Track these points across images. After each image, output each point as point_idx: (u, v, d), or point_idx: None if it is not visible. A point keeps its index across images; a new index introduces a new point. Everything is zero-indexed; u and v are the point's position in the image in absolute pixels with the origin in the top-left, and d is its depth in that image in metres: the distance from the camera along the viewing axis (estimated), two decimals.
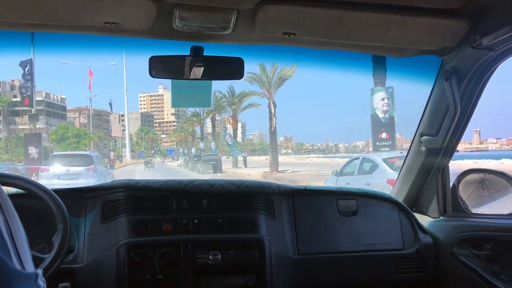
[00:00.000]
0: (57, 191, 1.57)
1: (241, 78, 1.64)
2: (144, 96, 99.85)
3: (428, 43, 1.56)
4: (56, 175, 11.73)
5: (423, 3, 1.29)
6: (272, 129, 26.11)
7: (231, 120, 35.88)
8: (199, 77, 1.60)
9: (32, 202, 1.47)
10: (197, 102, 1.78)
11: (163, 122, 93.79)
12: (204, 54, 1.56)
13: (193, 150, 47.03)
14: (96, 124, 60.15)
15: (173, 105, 1.83)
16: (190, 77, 1.59)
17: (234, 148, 33.45)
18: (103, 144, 53.99)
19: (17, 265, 0.60)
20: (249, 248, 1.69)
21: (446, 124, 1.74)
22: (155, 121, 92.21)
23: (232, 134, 35.14)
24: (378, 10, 1.30)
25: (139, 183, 1.75)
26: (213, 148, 38.93)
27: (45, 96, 54.46)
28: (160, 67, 1.56)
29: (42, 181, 11.51)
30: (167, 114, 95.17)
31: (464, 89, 1.65)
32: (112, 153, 41.37)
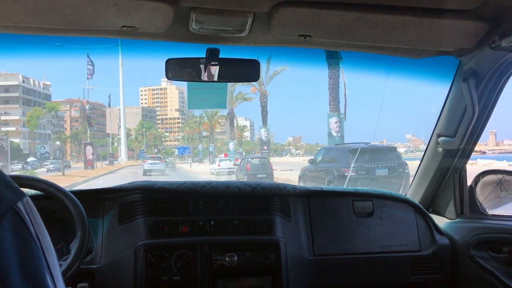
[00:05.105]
0: (75, 192, 1.67)
1: (257, 80, 1.75)
2: (145, 90, 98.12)
3: (446, 44, 1.63)
4: (150, 163, 27.49)
5: (440, 5, 1.34)
6: None
7: None
8: (215, 79, 1.70)
9: (50, 203, 1.57)
10: (213, 103, 1.89)
11: (166, 119, 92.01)
12: (220, 56, 1.67)
13: (231, 145, 34.51)
14: (91, 118, 58.55)
15: (189, 107, 1.95)
16: (206, 79, 1.69)
17: None
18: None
19: (50, 283, 0.61)
20: (265, 250, 1.79)
21: (463, 125, 1.82)
22: (157, 117, 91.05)
23: None
24: (394, 11, 1.36)
25: (156, 185, 1.86)
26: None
27: (23, 81, 46.30)
28: (177, 70, 1.67)
29: (145, 166, 28.06)
30: (171, 110, 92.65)
31: (482, 90, 1.73)
32: (89, 149, 29.70)
